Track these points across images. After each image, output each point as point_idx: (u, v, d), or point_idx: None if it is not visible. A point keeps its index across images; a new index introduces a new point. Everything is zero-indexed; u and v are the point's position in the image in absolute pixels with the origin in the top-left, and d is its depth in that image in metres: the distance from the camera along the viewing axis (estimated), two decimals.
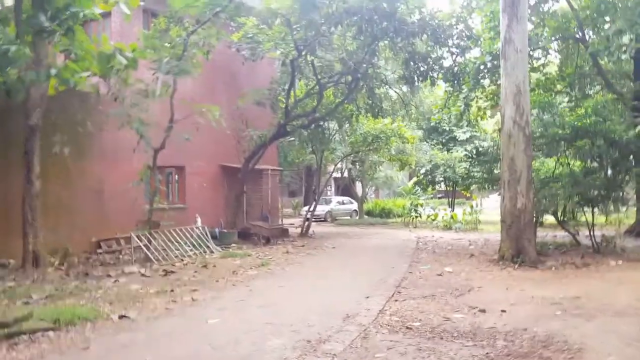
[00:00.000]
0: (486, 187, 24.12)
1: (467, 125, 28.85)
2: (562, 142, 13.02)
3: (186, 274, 9.84)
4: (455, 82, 17.36)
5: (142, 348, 5.14)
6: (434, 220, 24.43)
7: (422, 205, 24.67)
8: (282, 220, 20.10)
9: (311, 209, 20.35)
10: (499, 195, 37.59)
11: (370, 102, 18.37)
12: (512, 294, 7.89)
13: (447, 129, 30.20)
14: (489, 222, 23.69)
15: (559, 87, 19.83)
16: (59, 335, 5.50)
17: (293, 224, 20.40)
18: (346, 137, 24.23)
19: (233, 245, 15.09)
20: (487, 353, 4.87)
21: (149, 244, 11.56)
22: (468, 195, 31.96)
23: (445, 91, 20.82)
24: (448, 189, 28.25)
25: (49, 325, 5.70)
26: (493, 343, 5.23)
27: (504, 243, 11.16)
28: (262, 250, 14.02)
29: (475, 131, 29.43)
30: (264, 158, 17.78)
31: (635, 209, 15.29)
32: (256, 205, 19.41)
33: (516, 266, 10.52)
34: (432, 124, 30.20)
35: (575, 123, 12.25)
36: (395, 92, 19.96)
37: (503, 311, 6.65)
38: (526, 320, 6.17)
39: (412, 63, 16.68)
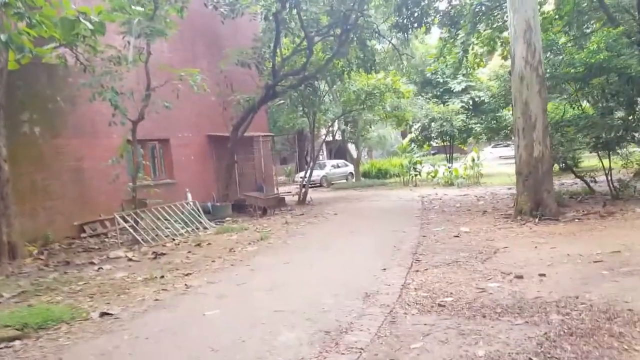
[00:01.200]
0: (485, 139, 23.30)
1: (462, 76, 27.67)
2: (573, 83, 12.05)
3: (178, 256, 8.92)
4: (452, 27, 16.13)
5: (125, 357, 4.23)
6: (434, 177, 23.58)
7: (421, 163, 23.77)
8: (277, 189, 19.17)
9: (307, 174, 19.38)
10: (493, 147, 36.50)
11: (362, 55, 17.12)
12: (543, 253, 7.05)
13: (442, 80, 28.98)
14: (490, 175, 22.99)
15: (556, 27, 18.65)
16: (25, 346, 4.59)
17: (290, 192, 19.50)
18: (338, 97, 23.06)
19: (227, 219, 14.19)
20: (545, 333, 4.01)
21: (135, 225, 10.60)
22: (465, 149, 31.01)
23: (440, 38, 19.59)
24: (445, 143, 27.17)
25: (15, 334, 4.78)
26: (546, 318, 4.37)
27: (521, 196, 10.29)
28: (259, 223, 13.12)
29: (471, 81, 28.25)
30: (254, 124, 16.68)
31: None
32: (249, 175, 18.42)
33: (537, 220, 9.72)
34: (426, 76, 28.99)
35: (588, 60, 11.21)
36: (389, 41, 18.66)
37: (542, 275, 5.80)
38: (573, 285, 5.33)
39: (404, 9, 15.41)
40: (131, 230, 10.50)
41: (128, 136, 11.38)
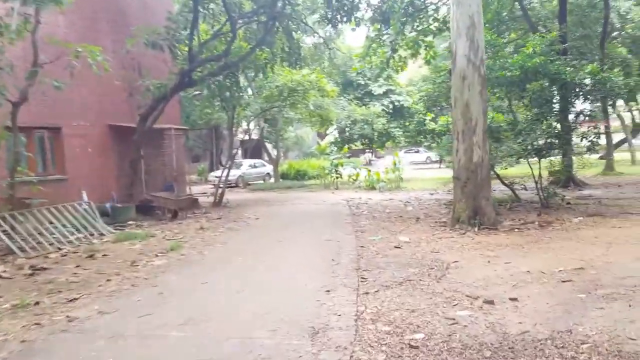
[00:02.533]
0: (410, 143, 23.06)
1: (384, 79, 27.47)
2: (505, 87, 11.72)
3: (64, 271, 7.12)
4: (383, 24, 15.45)
5: None
6: (355, 180, 22.94)
7: (342, 165, 23.02)
8: (190, 189, 17.41)
9: (223, 174, 17.79)
10: (404, 152, 36.43)
11: (288, 48, 15.93)
12: (499, 269, 6.28)
13: (363, 83, 28.60)
14: (408, 180, 22.64)
15: None
16: None
17: (205, 193, 17.81)
18: (259, 92, 21.69)
19: (131, 223, 12.34)
20: None
21: (11, 230, 8.56)
22: (382, 152, 30.90)
23: (367, 37, 18.94)
24: (364, 147, 26.75)
25: None
26: None
27: (459, 203, 9.64)
28: (169, 228, 11.45)
29: (391, 85, 28.13)
30: (165, 116, 14.86)
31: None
32: (158, 172, 16.47)
33: (476, 229, 9.10)
34: (348, 77, 28.45)
35: (524, 64, 10.88)
36: (316, 34, 17.62)
37: (514, 300, 4.96)
38: (555, 314, 4.51)
39: (334, 0, 14.46)
40: (4, 237, 8.45)
41: (7, 121, 9.30)
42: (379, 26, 15.76)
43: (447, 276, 6.07)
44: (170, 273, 6.86)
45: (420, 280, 5.91)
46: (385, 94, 27.72)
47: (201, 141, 35.00)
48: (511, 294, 5.16)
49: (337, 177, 22.62)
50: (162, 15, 14.04)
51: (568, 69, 10.60)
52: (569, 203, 11.72)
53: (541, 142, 10.73)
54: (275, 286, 5.89)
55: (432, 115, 15.87)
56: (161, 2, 14.07)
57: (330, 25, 15.27)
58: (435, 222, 10.46)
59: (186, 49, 13.44)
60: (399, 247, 8.04)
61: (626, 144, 27.28)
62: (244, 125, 26.65)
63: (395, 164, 21.58)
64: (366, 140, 25.53)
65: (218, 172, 22.24)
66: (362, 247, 8.27)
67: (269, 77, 18.70)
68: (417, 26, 18.67)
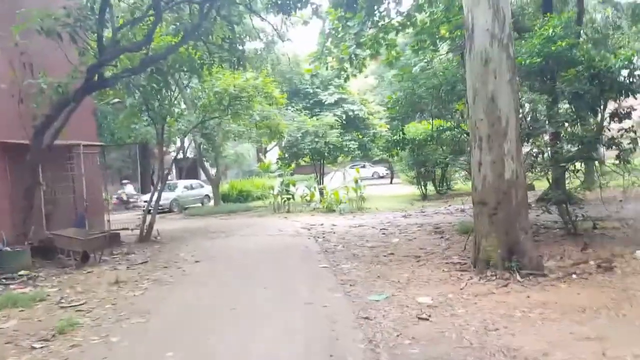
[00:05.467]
0: (361, 157, 20.37)
1: (334, 87, 24.88)
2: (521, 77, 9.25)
3: None
4: (348, 8, 12.68)
5: None
6: (310, 201, 19.96)
7: (294, 184, 19.99)
8: (109, 221, 13.67)
9: (153, 198, 14.27)
10: (350, 167, 33.20)
11: (228, 45, 12.77)
12: None
13: (311, 91, 25.84)
14: (367, 198, 19.82)
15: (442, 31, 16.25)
16: None
17: (130, 225, 14.16)
18: (193, 101, 18.32)
19: (22, 274, 8.79)
20: None
21: None
22: (335, 168, 28.11)
23: (321, 32, 16.17)
24: (314, 162, 23.70)
25: None
26: None
27: (486, 238, 6.85)
28: (72, 281, 8.09)
29: (343, 93, 25.55)
30: (75, 130, 11.32)
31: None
32: (65, 203, 12.69)
33: (517, 276, 6.37)
34: (295, 85, 25.60)
35: (542, 49, 8.41)
36: (269, 23, 14.62)
37: None
38: None
39: None
40: None
41: None
42: (341, 12, 12.97)
43: None
44: None
45: None
46: (337, 103, 25.11)
47: (130, 160, 30.80)
48: None
49: (288, 199, 19.55)
50: None
51: (599, 54, 8.24)
52: (595, 227, 9.30)
53: (573, 148, 8.28)
54: None
55: (398, 123, 13.36)
56: None
57: (280, 13, 12.28)
58: (447, 263, 7.62)
59: (94, 36, 9.96)
60: (427, 319, 5.10)
61: None
62: (178, 141, 23.11)
63: (356, 181, 18.83)
64: (317, 155, 22.56)
65: (146, 196, 18.61)
66: (365, 318, 5.25)
67: (206, 81, 15.42)
68: (378, 21, 16.14)
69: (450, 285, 6.33)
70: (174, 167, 34.46)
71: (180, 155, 27.70)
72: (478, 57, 6.88)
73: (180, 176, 33.93)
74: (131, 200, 25.65)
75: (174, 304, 6.53)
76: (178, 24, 11.10)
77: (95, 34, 9.97)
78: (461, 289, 6.12)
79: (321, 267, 8.07)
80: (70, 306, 6.65)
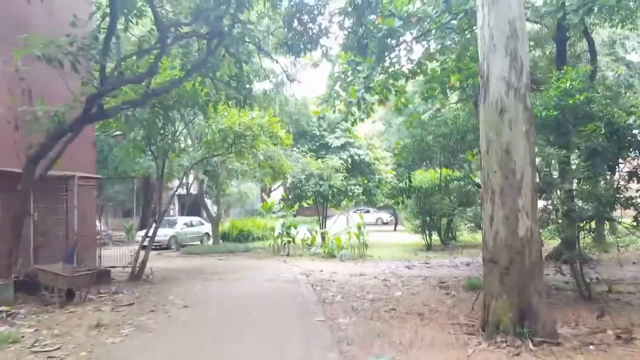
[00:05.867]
0: (365, 203, 19.87)
1: (341, 131, 24.72)
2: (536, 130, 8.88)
3: None
4: (358, 52, 12.52)
5: None
6: (310, 245, 19.37)
7: (296, 227, 19.47)
8: (100, 258, 13.14)
9: (149, 233, 13.79)
10: (354, 212, 32.83)
11: (235, 83, 12.58)
12: None
13: (318, 133, 25.67)
14: (370, 245, 19.22)
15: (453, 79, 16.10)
16: None
17: (122, 266, 13.60)
18: (198, 138, 18.11)
19: (1, 309, 8.30)
20: None
21: None
22: (339, 212, 27.60)
23: (330, 75, 16.03)
24: (316, 205, 23.25)
25: None
26: None
27: (497, 300, 6.28)
28: (52, 322, 7.62)
29: (350, 137, 25.36)
30: (72, 161, 11.05)
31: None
32: (56, 236, 12.24)
33: (529, 344, 5.77)
34: (302, 127, 25.46)
35: (559, 102, 8.10)
36: (278, 63, 14.42)
37: None
38: None
39: (296, 22, 11.47)
40: None
41: None
42: (352, 56, 12.80)
43: None
44: None
45: None
46: (344, 146, 24.84)
47: (134, 194, 30.45)
48: None
49: (288, 241, 18.99)
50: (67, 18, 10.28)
51: (618, 110, 7.89)
52: (609, 290, 8.71)
53: (588, 206, 7.80)
54: None
55: (405, 170, 12.98)
56: (73, 6, 10.42)
57: (290, 53, 12.14)
58: (453, 324, 7.02)
59: (97, 67, 9.75)
60: None
61: None
62: (183, 174, 22.80)
63: (360, 227, 18.28)
64: (320, 198, 22.13)
65: (145, 231, 18.09)
66: None
67: (212, 118, 15.21)
68: (388, 67, 16.02)
69: (456, 351, 5.74)
70: (176, 202, 34.12)
71: (184, 191, 27.35)
72: (493, 106, 6.52)
73: (182, 212, 33.51)
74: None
75: (152, 357, 5.95)
76: (184, 58, 10.93)
77: (99, 64, 9.76)
78: (468, 357, 5.54)
79: (317, 321, 7.47)
80: (43, 351, 6.17)
